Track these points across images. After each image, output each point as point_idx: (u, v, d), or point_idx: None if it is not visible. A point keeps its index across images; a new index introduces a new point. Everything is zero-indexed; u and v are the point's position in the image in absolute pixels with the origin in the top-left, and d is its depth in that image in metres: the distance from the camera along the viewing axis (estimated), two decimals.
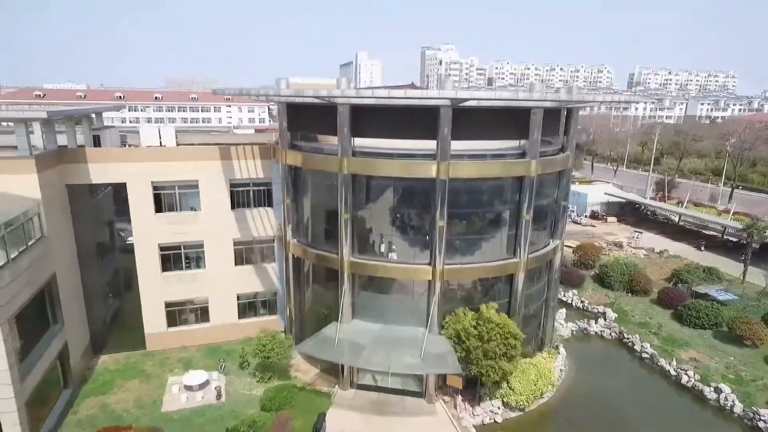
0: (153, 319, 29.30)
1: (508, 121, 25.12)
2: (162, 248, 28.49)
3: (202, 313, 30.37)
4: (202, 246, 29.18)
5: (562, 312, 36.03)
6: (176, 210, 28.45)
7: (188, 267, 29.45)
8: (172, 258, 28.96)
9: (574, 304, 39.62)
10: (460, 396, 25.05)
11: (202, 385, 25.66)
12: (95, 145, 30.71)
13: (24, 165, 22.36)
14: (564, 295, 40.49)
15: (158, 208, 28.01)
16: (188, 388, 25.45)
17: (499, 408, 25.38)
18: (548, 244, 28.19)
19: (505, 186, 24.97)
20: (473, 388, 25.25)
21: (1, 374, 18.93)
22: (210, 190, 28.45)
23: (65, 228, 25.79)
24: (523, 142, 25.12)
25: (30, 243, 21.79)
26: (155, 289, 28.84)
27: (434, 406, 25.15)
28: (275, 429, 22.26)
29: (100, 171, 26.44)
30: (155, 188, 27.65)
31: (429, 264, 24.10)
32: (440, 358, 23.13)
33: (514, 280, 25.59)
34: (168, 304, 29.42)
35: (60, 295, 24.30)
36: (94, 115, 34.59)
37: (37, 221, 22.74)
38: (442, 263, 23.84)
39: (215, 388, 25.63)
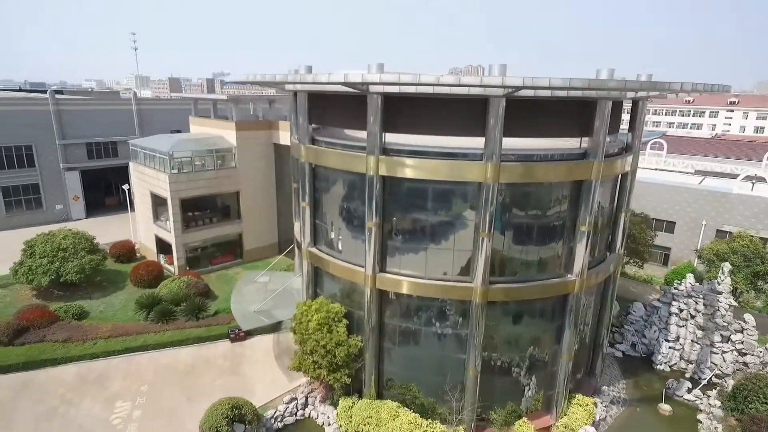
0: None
1: (567, 115, 20.68)
2: None
3: None
4: None
5: None
6: None
7: None
8: None
9: None
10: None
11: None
12: None
13: (230, 125, 40.58)
14: None
15: None
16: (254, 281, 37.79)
17: (328, 419, 23.71)
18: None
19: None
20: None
21: (172, 224, 38.35)
22: None
23: (260, 168, 42.55)
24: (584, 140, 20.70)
25: (219, 167, 40.08)
26: None
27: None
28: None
29: (282, 137, 41.44)
30: None
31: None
32: (260, 316, 24.95)
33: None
34: None
35: (240, 205, 41.90)
36: None
37: (231, 158, 40.75)
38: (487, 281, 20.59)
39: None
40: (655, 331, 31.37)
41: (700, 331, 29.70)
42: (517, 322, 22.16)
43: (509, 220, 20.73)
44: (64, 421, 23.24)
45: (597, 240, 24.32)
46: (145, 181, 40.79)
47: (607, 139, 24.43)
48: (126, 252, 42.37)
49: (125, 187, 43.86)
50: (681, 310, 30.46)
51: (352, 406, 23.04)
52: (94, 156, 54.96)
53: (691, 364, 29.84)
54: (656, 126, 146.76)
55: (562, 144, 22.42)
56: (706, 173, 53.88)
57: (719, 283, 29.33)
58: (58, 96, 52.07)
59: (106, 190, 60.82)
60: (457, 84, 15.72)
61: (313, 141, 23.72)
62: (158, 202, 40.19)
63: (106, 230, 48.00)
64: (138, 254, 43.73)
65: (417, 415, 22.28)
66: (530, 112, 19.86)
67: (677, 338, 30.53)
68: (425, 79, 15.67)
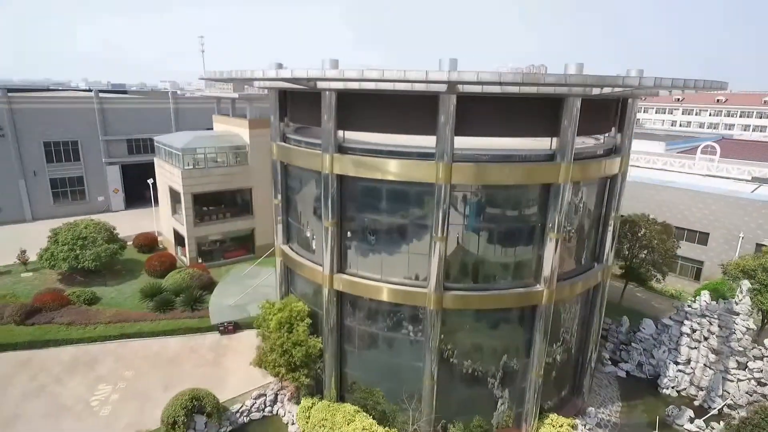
0: None
1: (534, 113, 19.05)
2: None
3: None
4: None
5: None
6: None
7: None
8: None
9: None
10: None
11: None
12: None
13: (243, 123, 41.57)
14: None
15: None
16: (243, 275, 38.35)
17: (292, 418, 23.58)
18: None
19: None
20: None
21: (185, 218, 39.86)
22: None
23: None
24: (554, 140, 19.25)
25: (233, 164, 41.18)
26: None
27: None
28: None
29: None
30: None
31: None
32: (233, 310, 25.16)
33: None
34: None
35: (253, 201, 42.82)
36: None
37: (245, 155, 41.75)
38: None
39: None
40: (664, 352, 28.68)
41: (714, 355, 26.79)
42: (479, 333, 20.96)
43: (467, 224, 19.65)
44: (49, 399, 24.71)
45: (581, 248, 22.60)
46: (165, 176, 42.74)
47: (600, 139, 22.96)
48: (148, 243, 44.57)
49: (150, 181, 46.12)
50: (693, 331, 27.65)
51: (311, 407, 22.80)
52: (133, 151, 58.38)
53: (702, 390, 27.00)
54: (729, 128, 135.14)
55: (540, 144, 20.94)
56: (765, 180, 48.73)
57: (737, 303, 26.32)
58: (101, 95, 55.78)
59: (146, 184, 64.33)
60: (381, 79, 14.99)
61: (285, 139, 23.71)
62: (176, 197, 41.93)
63: (139, 222, 50.90)
64: (161, 246, 45.90)
65: (374, 421, 21.66)
66: (492, 110, 18.72)
67: (688, 361, 27.75)
68: (348, 74, 15.07)
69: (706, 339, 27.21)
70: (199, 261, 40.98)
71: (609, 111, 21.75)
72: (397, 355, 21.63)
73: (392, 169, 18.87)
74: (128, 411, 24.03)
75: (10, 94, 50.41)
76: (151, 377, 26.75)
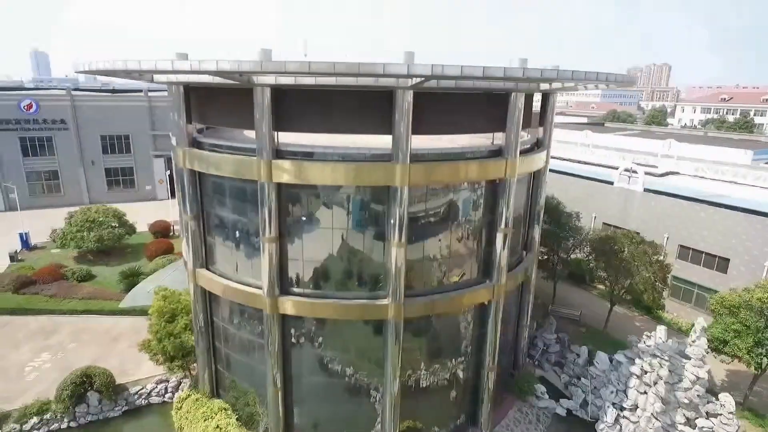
0: None
1: (369, 108, 17.41)
2: None
3: None
4: None
5: None
6: None
7: None
8: None
9: None
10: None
11: None
12: None
13: None
14: None
15: None
16: None
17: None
18: None
19: None
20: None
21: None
22: None
23: None
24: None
25: None
26: None
27: None
28: None
29: None
30: None
31: None
32: (147, 296, 26.07)
33: None
34: None
35: None
36: None
37: None
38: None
39: None
40: (611, 392, 24.40)
41: (661, 404, 22.20)
42: (332, 343, 19.51)
43: (309, 226, 18.43)
44: None
45: (462, 261, 20.09)
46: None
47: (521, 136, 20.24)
48: (161, 230, 48.26)
49: (167, 173, 49.82)
50: (644, 372, 23.18)
51: (186, 399, 23.05)
52: None
53: None
54: None
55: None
56: None
57: (690, 344, 21.52)
58: (150, 94, 61.48)
59: None
60: (158, 70, 14.60)
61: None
62: None
63: (174, 210, 55.30)
64: (177, 233, 49.41)
65: (233, 422, 21.32)
66: (322, 104, 17.35)
67: (635, 407, 23.32)
68: (161, 65, 14.58)
69: (655, 384, 22.65)
70: None
71: (495, 108, 18.95)
72: (252, 358, 21.01)
73: (224, 166, 18.40)
74: (50, 379, 26.19)
75: (74, 93, 57.75)
76: (87, 351, 28.92)
